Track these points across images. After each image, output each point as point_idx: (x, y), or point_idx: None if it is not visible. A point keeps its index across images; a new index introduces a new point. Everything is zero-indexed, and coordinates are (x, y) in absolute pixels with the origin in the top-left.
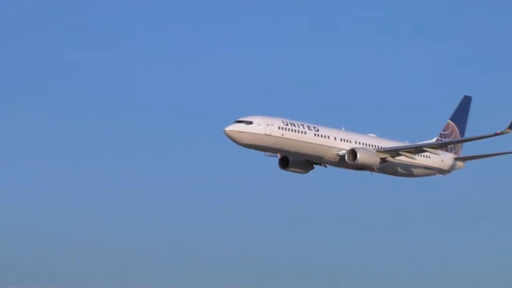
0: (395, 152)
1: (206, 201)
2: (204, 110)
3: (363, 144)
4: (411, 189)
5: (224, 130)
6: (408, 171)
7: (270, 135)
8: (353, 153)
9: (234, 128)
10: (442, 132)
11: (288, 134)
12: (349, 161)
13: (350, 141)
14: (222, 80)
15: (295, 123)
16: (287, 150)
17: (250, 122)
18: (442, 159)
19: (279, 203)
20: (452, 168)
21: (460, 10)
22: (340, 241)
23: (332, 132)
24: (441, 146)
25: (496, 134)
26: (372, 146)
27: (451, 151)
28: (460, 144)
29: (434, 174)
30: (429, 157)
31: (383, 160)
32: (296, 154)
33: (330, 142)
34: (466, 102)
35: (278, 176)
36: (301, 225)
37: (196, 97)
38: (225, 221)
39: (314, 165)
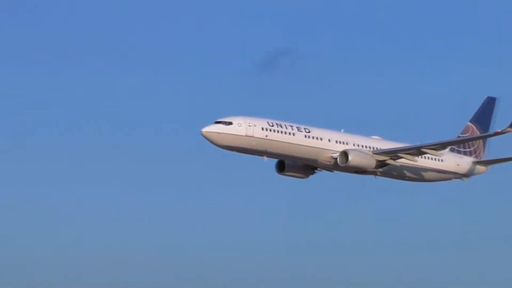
0: (393, 154)
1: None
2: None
3: (362, 146)
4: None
5: (201, 131)
6: (418, 175)
7: (252, 137)
8: (345, 155)
9: (211, 129)
10: (461, 135)
11: (273, 136)
12: (341, 163)
13: (347, 143)
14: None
15: (283, 124)
16: (274, 153)
17: (230, 123)
18: (457, 162)
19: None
20: (471, 173)
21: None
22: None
23: (326, 134)
24: (440, 146)
25: (496, 134)
26: (373, 148)
27: (470, 155)
28: (482, 147)
29: (450, 178)
30: (442, 160)
31: (383, 163)
32: (285, 156)
33: (323, 144)
34: (490, 103)
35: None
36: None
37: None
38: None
39: (316, 170)
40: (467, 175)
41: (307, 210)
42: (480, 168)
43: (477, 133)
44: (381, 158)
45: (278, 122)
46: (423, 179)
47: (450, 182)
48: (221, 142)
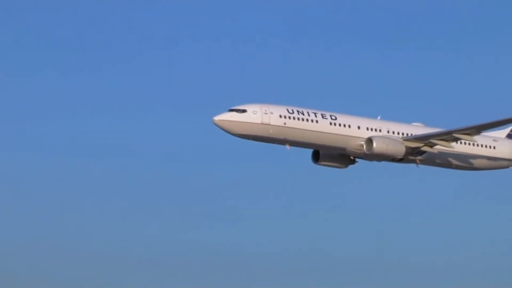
0: (424, 139)
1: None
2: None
3: (398, 133)
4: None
5: (213, 120)
6: (466, 163)
7: (268, 124)
8: (370, 141)
9: (224, 117)
10: None
11: (292, 123)
12: (367, 150)
13: (379, 130)
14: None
15: (306, 111)
16: (296, 141)
17: (244, 111)
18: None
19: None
20: None
21: None
22: None
23: (356, 121)
24: (473, 130)
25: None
26: (409, 135)
27: None
28: None
29: (506, 166)
30: (494, 147)
31: (417, 150)
32: (310, 145)
33: (352, 132)
34: None
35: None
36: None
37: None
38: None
39: (357, 160)
40: None
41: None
42: None
43: None
44: (412, 144)
45: (300, 109)
46: (472, 167)
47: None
48: (235, 130)
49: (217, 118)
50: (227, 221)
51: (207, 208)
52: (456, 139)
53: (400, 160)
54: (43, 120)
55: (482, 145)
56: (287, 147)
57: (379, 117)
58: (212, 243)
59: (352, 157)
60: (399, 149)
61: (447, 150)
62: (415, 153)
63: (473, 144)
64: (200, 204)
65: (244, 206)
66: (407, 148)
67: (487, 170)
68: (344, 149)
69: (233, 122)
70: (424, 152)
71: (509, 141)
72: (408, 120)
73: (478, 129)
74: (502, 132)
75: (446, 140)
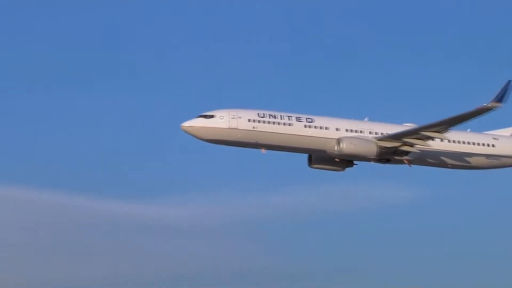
0: (396, 138)
1: None
2: None
3: (381, 134)
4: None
5: (181, 126)
6: (462, 162)
7: (236, 129)
8: (338, 142)
9: (191, 123)
10: None
11: (262, 127)
12: (337, 151)
13: (361, 131)
14: None
15: (279, 114)
16: (270, 145)
17: (212, 116)
18: None
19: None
20: None
21: None
22: None
23: (335, 123)
24: (441, 127)
25: (478, 110)
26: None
27: None
28: None
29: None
30: (494, 145)
31: (395, 150)
32: (285, 148)
33: (329, 134)
34: None
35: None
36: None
37: None
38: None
39: (356, 163)
40: None
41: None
42: None
43: None
44: (387, 144)
45: (273, 113)
46: (470, 166)
47: None
48: (203, 136)
49: (185, 124)
50: None
51: None
52: (428, 138)
53: (388, 160)
54: None
55: (479, 144)
56: (262, 151)
57: (366, 119)
58: None
59: (349, 160)
60: (370, 149)
61: (439, 149)
62: (399, 153)
63: (469, 143)
64: None
65: None
66: (382, 147)
67: (492, 169)
68: (323, 151)
69: (201, 128)
70: (408, 152)
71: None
72: (401, 121)
73: (443, 125)
74: (507, 130)
75: (420, 139)
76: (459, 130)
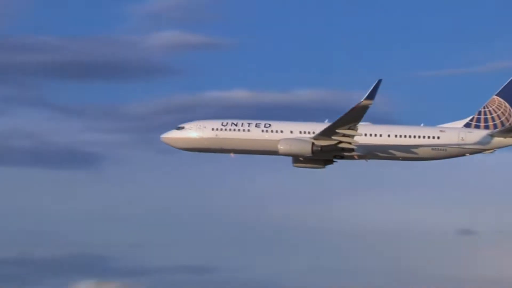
0: (324, 135)
1: None
2: None
3: None
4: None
5: (160, 138)
6: (410, 153)
7: (202, 138)
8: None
9: (166, 135)
10: (484, 109)
11: (223, 134)
12: (279, 152)
13: (313, 132)
14: None
15: (241, 122)
16: (233, 149)
17: (182, 128)
18: (462, 136)
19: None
20: (490, 146)
21: None
22: None
23: (291, 126)
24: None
25: (354, 108)
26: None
27: (496, 127)
28: None
29: (463, 153)
30: (439, 137)
31: (333, 148)
32: (247, 151)
33: (280, 136)
34: None
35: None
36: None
37: None
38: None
39: (334, 160)
40: (485, 148)
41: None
42: (504, 140)
43: (508, 108)
44: (322, 142)
45: (236, 121)
46: (419, 157)
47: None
48: (178, 145)
49: (162, 136)
50: None
51: None
52: (351, 135)
53: (341, 157)
54: None
55: (425, 136)
56: (231, 155)
57: (326, 121)
58: None
59: (335, 158)
60: (304, 148)
61: (387, 143)
62: (345, 150)
63: (415, 136)
64: None
65: None
66: (318, 146)
67: (445, 159)
68: (275, 152)
69: (174, 139)
70: (348, 148)
71: (462, 130)
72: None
73: (336, 127)
74: (460, 122)
75: (347, 136)
76: (409, 125)
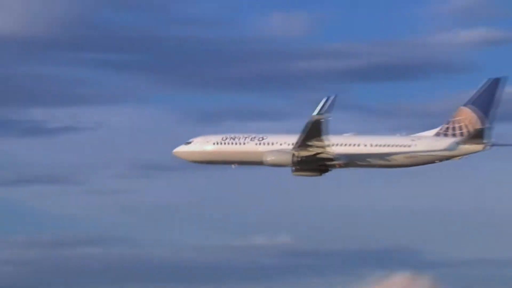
0: (299, 147)
1: None
2: None
3: None
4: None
5: (172, 152)
6: (385, 161)
7: (205, 151)
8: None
9: (177, 149)
10: (452, 119)
11: (223, 148)
12: (264, 163)
13: None
14: None
15: (239, 136)
16: (232, 161)
17: (189, 142)
18: (432, 145)
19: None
20: (459, 152)
21: None
22: None
23: (283, 139)
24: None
25: (309, 124)
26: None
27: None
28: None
29: (434, 160)
30: (409, 145)
31: (313, 158)
32: (242, 163)
33: (270, 148)
34: (491, 86)
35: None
36: None
37: None
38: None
39: (330, 168)
40: (453, 155)
41: None
42: (472, 147)
43: (474, 118)
44: (303, 153)
45: (234, 136)
46: (393, 164)
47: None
48: (186, 158)
49: (174, 150)
50: None
51: None
52: (321, 146)
53: (325, 166)
54: None
55: (396, 145)
56: (233, 166)
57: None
58: None
59: (330, 167)
60: (285, 159)
61: (365, 152)
62: (320, 159)
63: (389, 145)
64: None
65: None
66: (299, 157)
67: (420, 166)
68: (260, 162)
69: (182, 152)
70: (328, 158)
71: (432, 138)
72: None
73: (301, 141)
74: (432, 132)
75: (321, 147)
76: (384, 135)
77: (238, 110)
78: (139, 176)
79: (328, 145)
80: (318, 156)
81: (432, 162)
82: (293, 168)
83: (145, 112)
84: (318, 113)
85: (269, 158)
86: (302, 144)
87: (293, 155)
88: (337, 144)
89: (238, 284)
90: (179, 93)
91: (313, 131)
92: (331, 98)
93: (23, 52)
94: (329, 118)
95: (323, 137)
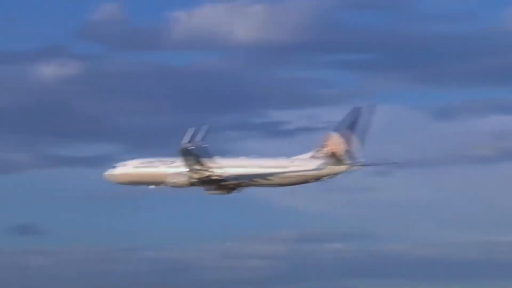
0: (191, 170)
1: None
2: None
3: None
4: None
5: (102, 175)
6: (267, 180)
7: (125, 174)
8: None
9: (106, 173)
10: (323, 143)
11: (139, 171)
12: (167, 184)
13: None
14: None
15: (155, 160)
16: (149, 182)
17: (115, 166)
18: (304, 165)
19: None
20: (327, 172)
21: None
22: None
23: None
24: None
25: (180, 150)
26: (224, 168)
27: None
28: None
29: (308, 180)
30: (286, 166)
31: (207, 179)
32: (154, 183)
33: (179, 171)
34: (355, 113)
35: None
36: None
37: None
38: None
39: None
40: (322, 174)
41: None
42: (337, 168)
43: (339, 141)
44: (196, 175)
45: (152, 160)
46: (274, 183)
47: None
48: (114, 180)
49: (103, 173)
50: None
51: None
52: (205, 169)
53: (219, 186)
54: None
55: (274, 166)
56: (150, 187)
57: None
58: None
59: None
60: (182, 181)
61: (249, 173)
62: (214, 181)
63: (269, 166)
64: None
65: None
66: (194, 178)
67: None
68: (162, 182)
69: (108, 175)
70: (220, 179)
71: (305, 160)
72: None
73: (186, 163)
74: (308, 154)
75: (204, 171)
76: (268, 157)
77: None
78: (378, 173)
79: (212, 168)
80: (211, 178)
81: (307, 181)
82: (205, 188)
83: (386, 110)
84: (188, 142)
85: (170, 180)
86: (190, 168)
87: (189, 177)
88: (230, 166)
89: None
90: (422, 89)
91: (188, 158)
92: (204, 128)
93: (262, 57)
94: (204, 146)
95: (204, 161)
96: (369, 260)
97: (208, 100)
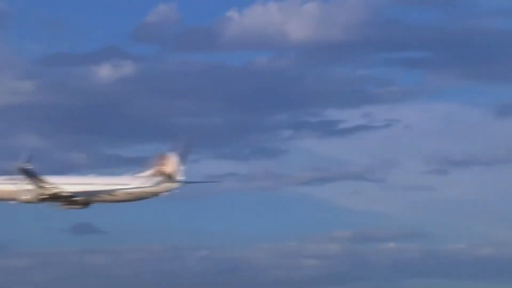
0: (38, 187)
1: None
2: None
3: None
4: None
5: None
6: (115, 197)
7: None
8: None
9: None
10: (160, 162)
11: (4, 187)
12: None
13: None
14: None
15: (5, 178)
16: (7, 198)
17: None
18: (143, 183)
19: None
20: (163, 189)
21: None
22: None
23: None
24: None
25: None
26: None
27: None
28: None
29: (147, 196)
30: (128, 183)
31: (56, 195)
32: (14, 200)
33: (26, 188)
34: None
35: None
36: None
37: None
38: None
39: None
40: (158, 191)
41: None
42: (170, 185)
43: (174, 161)
44: (46, 191)
45: (15, 177)
46: (119, 199)
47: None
48: None
49: None
50: None
51: None
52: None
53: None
54: None
55: (119, 184)
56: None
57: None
58: None
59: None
60: (32, 197)
61: (95, 189)
62: (63, 197)
63: (113, 184)
64: None
65: None
66: (43, 194)
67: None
68: (14, 199)
69: None
70: (68, 196)
71: (144, 178)
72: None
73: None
74: (147, 173)
75: (47, 187)
76: (116, 176)
77: None
78: (436, 172)
79: (57, 185)
80: (60, 194)
81: (146, 197)
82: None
83: (437, 107)
84: (24, 162)
85: (21, 197)
86: (35, 185)
87: (38, 194)
88: (77, 183)
89: None
90: (482, 87)
91: (28, 177)
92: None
93: (316, 56)
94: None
95: (42, 180)
96: (426, 259)
97: (263, 100)
